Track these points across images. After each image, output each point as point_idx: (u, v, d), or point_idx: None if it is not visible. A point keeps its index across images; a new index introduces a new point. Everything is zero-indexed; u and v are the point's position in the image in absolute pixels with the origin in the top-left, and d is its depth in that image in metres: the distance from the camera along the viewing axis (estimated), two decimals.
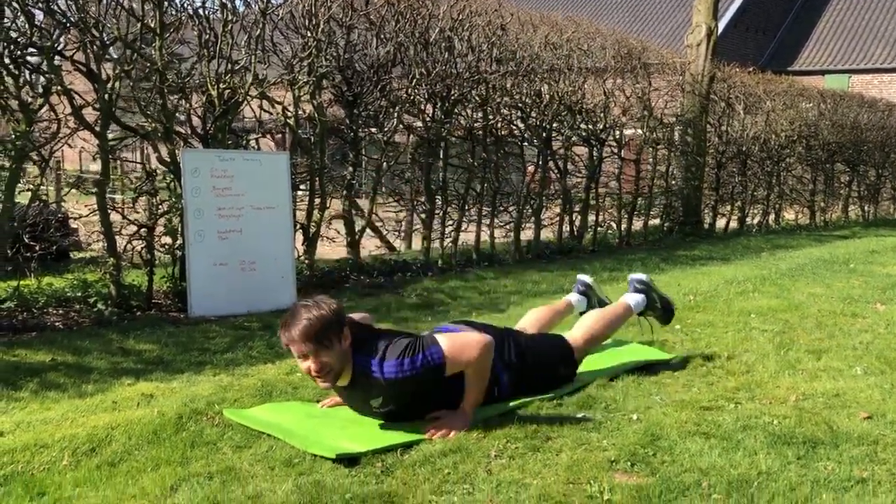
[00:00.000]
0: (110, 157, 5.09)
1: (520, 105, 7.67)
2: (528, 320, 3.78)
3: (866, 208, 14.92)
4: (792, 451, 2.67)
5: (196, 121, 5.51)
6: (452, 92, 6.90)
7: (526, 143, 8.00)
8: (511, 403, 3.10)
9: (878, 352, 4.05)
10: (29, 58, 4.64)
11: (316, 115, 5.97)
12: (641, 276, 3.96)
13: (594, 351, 3.71)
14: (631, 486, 2.37)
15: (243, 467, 2.51)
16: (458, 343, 2.90)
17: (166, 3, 5.09)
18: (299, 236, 5.96)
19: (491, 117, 7.35)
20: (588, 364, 3.60)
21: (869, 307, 5.30)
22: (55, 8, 4.67)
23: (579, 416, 3.00)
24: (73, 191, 5.29)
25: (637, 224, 9.65)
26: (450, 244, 7.17)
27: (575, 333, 3.55)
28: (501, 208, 7.81)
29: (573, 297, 4.10)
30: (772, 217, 12.26)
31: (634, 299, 3.85)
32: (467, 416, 2.90)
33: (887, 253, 8.75)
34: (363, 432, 2.82)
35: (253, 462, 2.56)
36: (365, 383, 2.83)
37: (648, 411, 3.06)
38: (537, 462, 2.57)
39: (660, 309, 3.91)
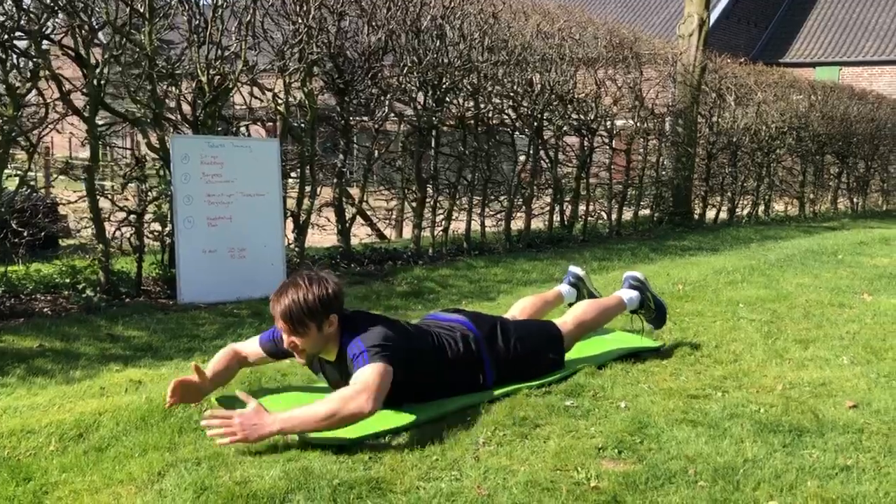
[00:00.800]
0: (99, 143, 5.06)
1: (511, 94, 7.66)
2: (518, 308, 3.79)
3: (855, 200, 14.99)
4: (778, 438, 2.69)
5: (186, 107, 5.48)
6: (444, 80, 6.89)
7: (517, 133, 7.99)
8: (499, 391, 3.11)
9: (864, 342, 4.08)
10: (16, 41, 4.59)
11: (307, 102, 5.95)
12: (637, 273, 3.96)
13: (582, 339, 3.72)
14: (618, 473, 2.39)
15: (231, 453, 2.51)
16: (370, 386, 2.64)
17: None
18: (289, 224, 5.95)
19: (482, 106, 7.34)
20: (576, 352, 3.61)
21: (856, 298, 5.33)
22: None
23: (567, 403, 3.01)
24: (62, 177, 5.26)
25: (627, 214, 9.68)
26: (440, 233, 7.17)
27: (566, 319, 3.57)
28: (492, 197, 7.82)
29: (563, 287, 4.11)
30: (761, 208, 12.30)
31: (628, 295, 3.86)
32: (272, 426, 2.51)
33: (875, 244, 8.80)
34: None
35: (240, 448, 2.56)
36: (346, 360, 2.85)
37: (636, 399, 3.08)
38: (525, 449, 2.58)
39: (653, 310, 3.89)
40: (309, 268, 2.99)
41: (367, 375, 2.67)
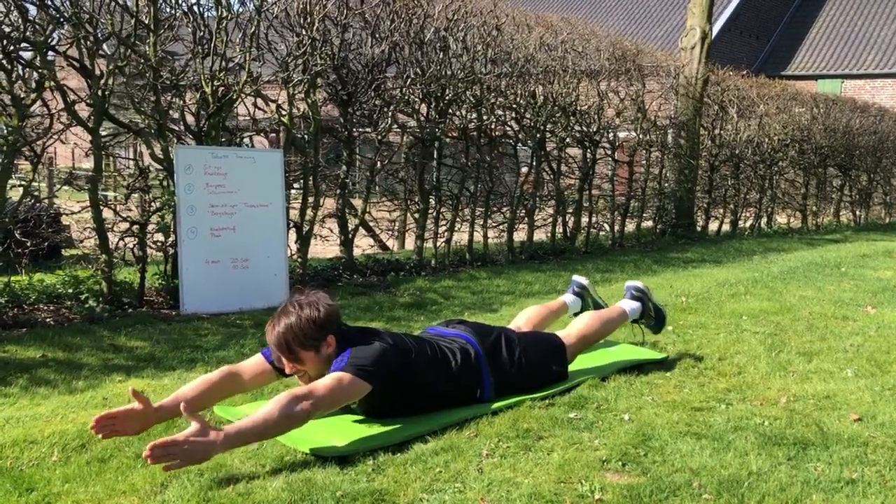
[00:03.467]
0: (103, 153, 5.07)
1: (514, 106, 7.68)
2: (523, 318, 3.79)
3: (858, 213, 14.98)
4: (782, 451, 2.68)
5: (190, 118, 5.50)
6: (447, 92, 6.90)
7: (520, 144, 8.00)
8: (502, 403, 3.10)
9: (868, 354, 4.06)
10: (22, 53, 4.62)
11: (310, 113, 5.97)
12: (638, 283, 3.98)
13: (586, 351, 3.72)
14: (622, 486, 2.38)
15: (234, 464, 2.50)
16: (337, 387, 2.65)
17: (161, 0, 5.08)
18: (292, 235, 5.96)
19: (485, 118, 7.35)
20: (580, 364, 3.61)
21: (860, 310, 5.32)
22: (49, 3, 4.65)
23: (571, 415, 3.00)
24: (66, 187, 5.27)
25: (630, 226, 9.68)
26: (443, 244, 7.17)
27: (569, 331, 3.57)
28: (495, 209, 7.82)
29: (568, 297, 4.11)
30: (764, 220, 12.30)
31: (630, 306, 3.88)
32: (218, 445, 2.39)
33: (878, 257, 8.78)
34: (349, 431, 2.81)
35: (244, 459, 2.55)
36: None
37: (640, 411, 3.07)
38: (529, 461, 2.57)
39: (653, 318, 3.94)
40: (301, 291, 2.93)
41: (325, 380, 2.66)
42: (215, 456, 2.44)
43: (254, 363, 2.97)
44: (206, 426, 2.40)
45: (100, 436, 2.56)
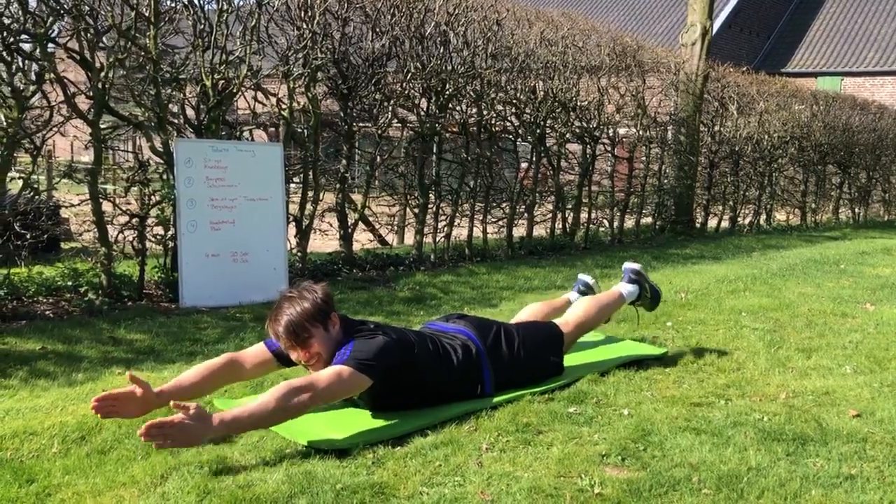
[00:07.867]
0: (103, 146, 5.07)
1: (514, 101, 7.67)
2: (525, 314, 3.79)
3: (857, 210, 14.98)
4: (781, 447, 2.68)
5: (190, 111, 5.49)
6: (447, 87, 6.89)
7: (520, 140, 8.00)
8: (501, 397, 3.10)
9: (867, 351, 4.07)
10: (22, 45, 4.61)
11: (310, 107, 5.96)
12: (635, 265, 3.99)
13: (583, 340, 3.72)
14: (622, 480, 2.38)
15: (234, 457, 2.51)
16: (336, 380, 2.67)
17: None
18: (292, 229, 5.95)
19: (485, 113, 7.34)
20: (580, 359, 3.61)
21: (859, 307, 5.32)
22: None
23: (570, 410, 3.00)
24: (65, 180, 5.26)
25: (629, 222, 9.68)
26: (442, 239, 7.17)
27: (567, 318, 3.58)
28: (494, 204, 7.81)
29: (573, 295, 4.11)
30: (763, 217, 12.30)
31: (628, 289, 3.88)
32: (210, 429, 2.43)
33: (877, 254, 8.79)
34: (349, 424, 2.80)
35: (244, 452, 2.55)
36: None
37: (639, 406, 3.07)
38: (528, 455, 2.58)
39: (648, 298, 3.95)
40: (288, 288, 2.96)
41: (325, 373, 2.68)
42: (215, 447, 2.44)
43: (255, 351, 2.97)
44: (201, 411, 2.43)
45: (99, 415, 2.58)
